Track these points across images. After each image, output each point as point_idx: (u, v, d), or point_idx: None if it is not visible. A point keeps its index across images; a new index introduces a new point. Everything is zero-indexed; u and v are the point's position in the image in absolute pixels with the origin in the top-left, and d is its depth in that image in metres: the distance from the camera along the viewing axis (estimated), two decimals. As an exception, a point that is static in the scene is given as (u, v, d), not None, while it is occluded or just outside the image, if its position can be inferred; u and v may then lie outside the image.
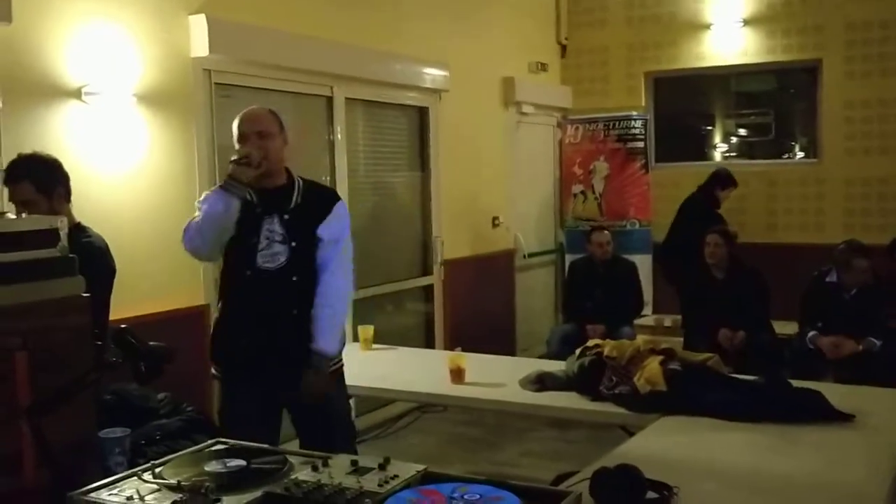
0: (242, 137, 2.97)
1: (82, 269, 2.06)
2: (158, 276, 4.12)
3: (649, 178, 7.44)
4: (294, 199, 3.01)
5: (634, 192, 7.42)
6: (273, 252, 2.94)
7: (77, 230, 2.90)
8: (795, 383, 3.21)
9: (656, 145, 7.78)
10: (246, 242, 2.93)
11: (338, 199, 3.12)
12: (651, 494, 2.05)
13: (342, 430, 3.13)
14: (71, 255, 2.04)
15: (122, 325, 2.00)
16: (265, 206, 2.96)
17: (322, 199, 3.07)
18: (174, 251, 4.23)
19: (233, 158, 2.90)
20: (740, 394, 3.04)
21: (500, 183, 7.09)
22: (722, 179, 6.73)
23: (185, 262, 4.31)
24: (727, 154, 8.08)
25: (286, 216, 2.97)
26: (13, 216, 2.16)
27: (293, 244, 2.95)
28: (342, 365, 3.17)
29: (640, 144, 7.40)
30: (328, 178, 5.34)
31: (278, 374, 2.97)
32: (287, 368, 2.96)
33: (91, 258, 2.61)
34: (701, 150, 8.12)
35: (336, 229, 3.02)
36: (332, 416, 3.09)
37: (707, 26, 7.49)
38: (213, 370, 3.14)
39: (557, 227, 7.99)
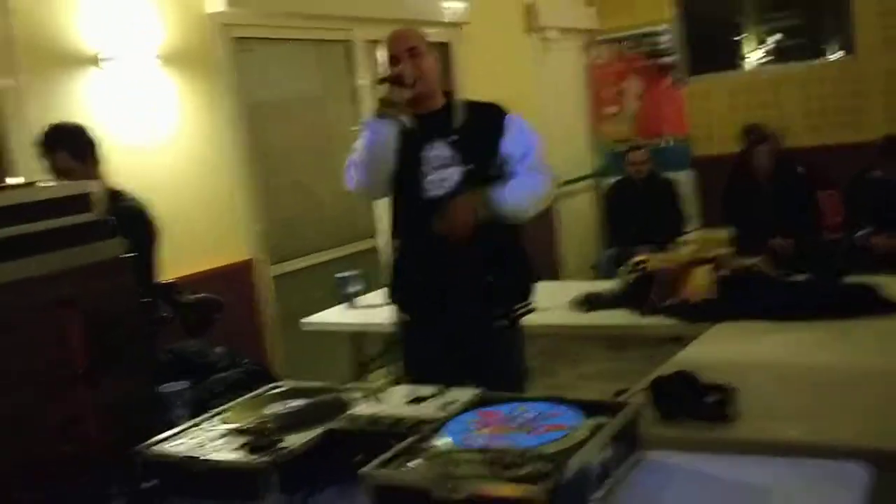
0: (393, 59, 2.71)
1: (123, 233, 2.08)
2: (199, 235, 4.15)
3: (682, 93, 7.29)
4: (456, 119, 2.77)
5: (668, 108, 7.29)
6: (440, 178, 2.71)
7: (115, 195, 2.93)
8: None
9: (687, 58, 7.59)
10: (410, 172, 2.71)
11: (505, 112, 2.82)
12: (711, 397, 2.03)
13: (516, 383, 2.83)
14: (107, 218, 2.05)
15: (168, 281, 2.01)
16: (425, 132, 2.73)
17: (490, 114, 2.81)
18: (211, 209, 4.31)
19: (381, 77, 2.68)
20: (793, 293, 3.00)
21: (528, 113, 6.92)
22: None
23: (225, 219, 4.38)
24: (761, 61, 7.84)
25: (453, 137, 2.73)
26: (45, 185, 2.17)
27: (469, 166, 2.70)
28: (530, 310, 2.88)
29: (671, 58, 7.23)
30: (355, 128, 5.30)
31: (460, 312, 2.74)
32: (470, 306, 2.73)
33: (131, 221, 2.63)
34: (733, 59, 7.88)
35: (521, 142, 2.75)
36: (505, 372, 2.80)
37: (731, -73, 7.24)
38: (395, 315, 2.92)
39: (593, 152, 7.88)
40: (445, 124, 2.75)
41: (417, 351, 2.86)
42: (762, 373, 2.37)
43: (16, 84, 3.53)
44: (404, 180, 2.73)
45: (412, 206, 2.75)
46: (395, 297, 2.89)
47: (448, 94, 2.86)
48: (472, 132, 2.74)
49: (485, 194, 2.65)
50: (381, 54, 2.77)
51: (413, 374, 2.84)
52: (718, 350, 2.68)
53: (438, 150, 2.72)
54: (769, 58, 7.79)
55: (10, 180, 3.12)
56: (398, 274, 2.86)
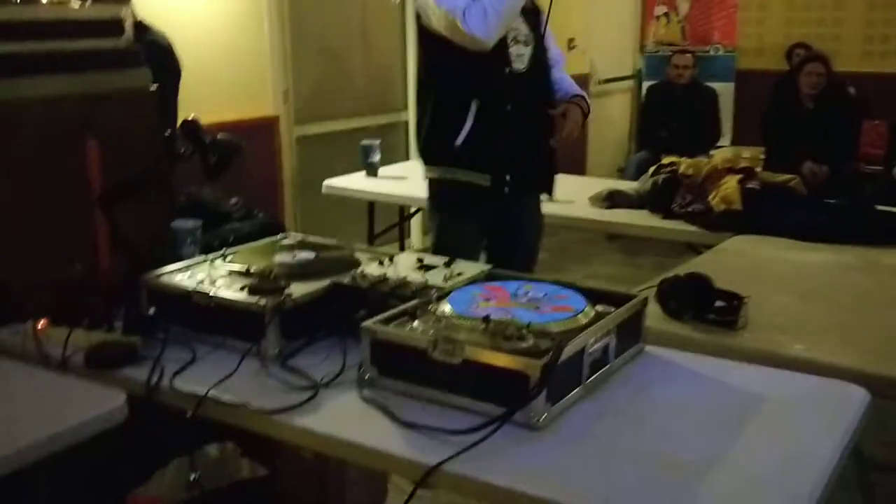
0: None
1: (149, 65, 2.04)
2: (226, 85, 4.10)
3: (737, 1, 7.01)
4: None
5: (720, 15, 7.03)
6: (519, 52, 2.76)
7: (141, 28, 2.86)
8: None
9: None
10: (500, 40, 2.66)
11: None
12: (720, 303, 2.01)
13: (531, 258, 3.02)
14: (136, 47, 2.01)
15: (191, 118, 1.98)
16: None
17: (534, 6, 2.87)
18: (241, 60, 4.23)
19: None
20: (822, 215, 2.93)
21: (576, 4, 6.76)
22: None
23: (253, 72, 4.31)
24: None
25: (529, 16, 2.78)
26: (76, 4, 2.11)
27: (537, 47, 2.80)
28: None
29: (730, -38, 6.94)
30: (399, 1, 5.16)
31: (532, 187, 2.91)
32: (541, 182, 2.92)
33: (156, 55, 2.58)
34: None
35: (550, 36, 2.90)
36: (536, 230, 3.02)
37: None
38: (459, 176, 2.80)
39: (636, 53, 7.66)
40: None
41: (466, 208, 2.83)
42: (777, 287, 2.34)
43: None
44: (496, 47, 2.64)
45: (499, 74, 2.72)
46: (464, 157, 2.77)
47: None
48: (534, 13, 2.82)
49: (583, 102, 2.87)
50: None
51: (447, 232, 2.87)
52: (736, 260, 2.64)
53: (519, 24, 2.75)
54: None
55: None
56: (477, 140, 2.74)
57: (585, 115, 2.88)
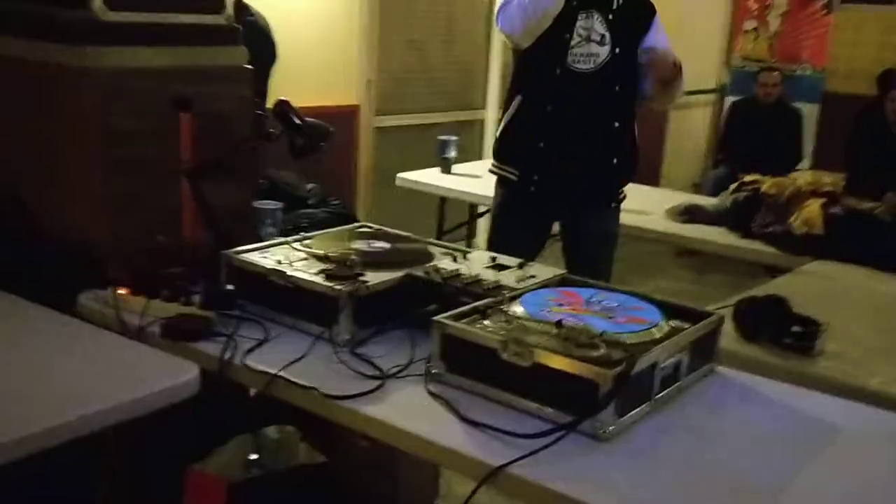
0: None
1: (246, 45, 2.08)
2: (312, 72, 4.15)
3: (830, 20, 6.83)
4: None
5: (812, 34, 6.85)
6: (589, 52, 2.66)
7: (241, 7, 2.91)
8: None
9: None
10: (557, 37, 2.63)
11: (653, 6, 2.81)
12: (797, 328, 1.96)
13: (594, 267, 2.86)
14: (236, 25, 2.05)
15: (283, 99, 2.01)
16: (582, 0, 2.65)
17: (642, 6, 2.78)
18: (329, 47, 4.28)
19: None
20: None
21: (665, 10, 6.65)
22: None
23: (340, 61, 4.35)
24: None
25: (610, 16, 2.67)
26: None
27: (617, 50, 2.67)
28: (624, 197, 2.95)
29: (825, -19, 6.75)
30: None
31: (571, 193, 2.78)
32: (584, 190, 2.79)
33: (254, 35, 2.63)
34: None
35: (661, 41, 2.76)
36: (604, 239, 2.93)
37: None
38: (494, 168, 2.90)
39: (722, 67, 7.52)
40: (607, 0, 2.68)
41: (507, 202, 2.88)
42: (857, 317, 2.27)
43: None
44: (548, 44, 2.64)
45: (550, 73, 2.67)
46: (500, 149, 2.86)
47: None
48: (628, 14, 2.70)
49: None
50: None
51: (496, 223, 2.92)
52: (815, 286, 2.57)
53: (594, 24, 2.65)
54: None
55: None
56: (513, 133, 2.79)
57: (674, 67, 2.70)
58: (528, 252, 2.52)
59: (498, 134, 2.85)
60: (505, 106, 2.83)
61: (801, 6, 6.83)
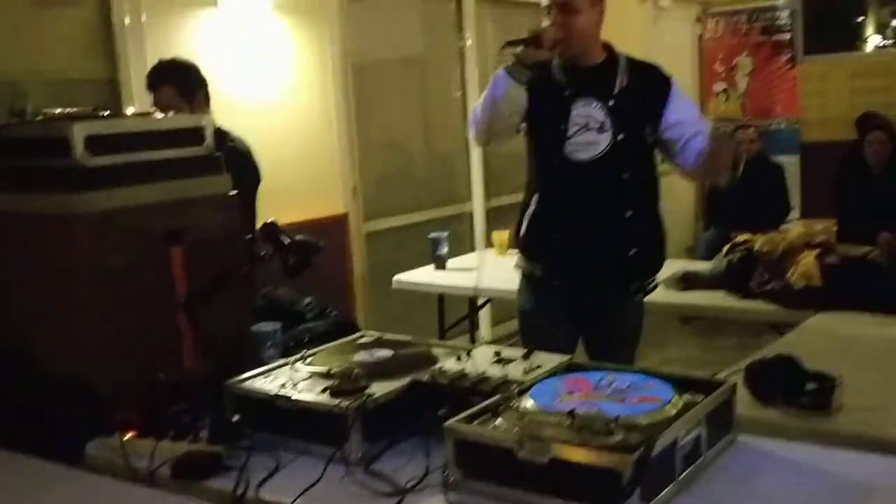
0: (545, 11, 2.52)
1: (228, 171, 2.11)
2: (298, 185, 4.20)
3: (797, 73, 6.99)
4: (619, 80, 2.57)
5: (781, 88, 7.01)
6: (586, 141, 2.55)
7: (220, 134, 2.96)
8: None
9: (803, 37, 7.24)
10: (552, 129, 2.56)
11: (668, 77, 2.65)
12: (811, 385, 1.94)
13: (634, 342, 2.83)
14: (217, 154, 2.08)
15: (270, 221, 2.03)
16: (577, 88, 2.54)
17: (653, 78, 2.63)
18: (312, 160, 4.35)
19: (513, 39, 2.44)
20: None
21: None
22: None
23: (324, 172, 4.42)
24: (882, 45, 7.42)
25: (611, 102, 2.54)
26: (160, 116, 2.21)
27: (619, 136, 2.53)
28: (656, 286, 2.83)
29: (787, 36, 6.94)
30: (460, 93, 5.27)
31: (589, 283, 2.65)
32: (601, 280, 2.65)
33: (236, 161, 2.66)
34: (852, 41, 7.48)
35: (690, 106, 2.65)
36: (626, 340, 2.78)
37: None
38: (520, 263, 2.82)
39: (697, 130, 7.65)
40: (605, 85, 2.56)
41: (532, 299, 2.78)
42: (868, 366, 2.25)
43: (138, 21, 3.61)
44: (545, 136, 2.59)
45: (550, 166, 2.62)
46: (523, 246, 2.77)
47: (610, 48, 2.63)
48: (632, 97, 2.57)
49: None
50: None
51: (523, 322, 2.82)
52: (822, 339, 2.56)
53: (591, 111, 2.55)
54: (889, 42, 7.35)
55: (127, 111, 3.21)
56: (533, 228, 2.71)
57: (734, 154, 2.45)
58: (566, 348, 2.37)
59: (521, 232, 2.75)
60: (525, 199, 2.76)
61: (765, 63, 7.00)
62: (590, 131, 2.54)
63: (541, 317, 2.73)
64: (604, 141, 2.54)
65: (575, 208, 2.60)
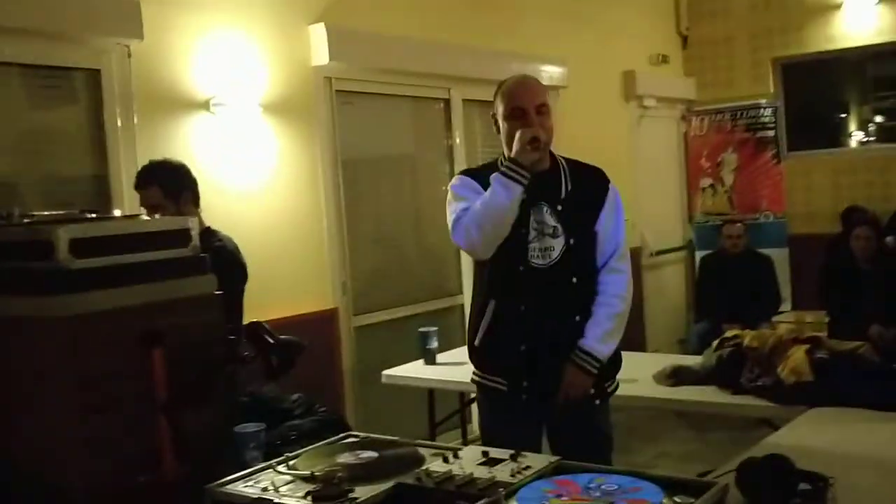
0: (519, 113, 2.52)
1: (215, 271, 2.11)
2: (286, 281, 4.21)
3: (782, 168, 7.12)
4: (564, 185, 2.60)
5: (766, 184, 7.12)
6: (544, 246, 2.56)
7: (208, 234, 2.98)
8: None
9: (787, 134, 7.42)
10: (516, 235, 2.53)
11: (608, 181, 2.68)
12: (804, 486, 1.91)
13: (602, 451, 2.64)
14: (202, 255, 2.09)
15: (254, 321, 2.02)
16: (531, 194, 2.52)
17: (593, 181, 2.66)
18: (300, 257, 4.37)
19: (520, 138, 2.47)
20: (897, 383, 2.82)
21: (623, 179, 6.89)
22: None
23: (312, 268, 4.43)
24: (864, 141, 7.59)
25: (559, 207, 2.57)
26: (146, 218, 2.23)
27: (571, 241, 2.56)
28: (616, 388, 2.76)
29: (771, 133, 7.09)
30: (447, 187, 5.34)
31: (553, 392, 2.58)
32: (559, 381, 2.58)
33: (223, 260, 2.67)
34: (835, 137, 7.65)
35: (615, 225, 2.63)
36: (593, 440, 2.64)
37: (837, 6, 7.07)
38: (476, 377, 2.74)
39: (686, 223, 7.74)
40: (554, 189, 2.59)
41: (497, 412, 2.70)
42: (861, 464, 2.22)
43: (131, 124, 3.68)
44: (510, 243, 2.54)
45: (513, 272, 2.57)
46: (482, 359, 2.71)
47: (551, 153, 2.65)
48: (576, 202, 2.60)
49: (586, 361, 2.55)
50: (501, 101, 2.58)
51: (488, 435, 2.71)
52: (813, 437, 2.53)
53: (543, 217, 2.57)
54: (871, 138, 7.51)
55: (114, 212, 3.24)
56: (490, 340, 2.65)
57: (592, 374, 2.56)
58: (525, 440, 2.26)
59: (477, 343, 2.67)
60: (476, 312, 2.68)
61: (750, 160, 7.14)
62: (545, 237, 2.56)
63: (503, 435, 2.46)
64: (558, 246, 2.56)
65: (532, 316, 2.57)
